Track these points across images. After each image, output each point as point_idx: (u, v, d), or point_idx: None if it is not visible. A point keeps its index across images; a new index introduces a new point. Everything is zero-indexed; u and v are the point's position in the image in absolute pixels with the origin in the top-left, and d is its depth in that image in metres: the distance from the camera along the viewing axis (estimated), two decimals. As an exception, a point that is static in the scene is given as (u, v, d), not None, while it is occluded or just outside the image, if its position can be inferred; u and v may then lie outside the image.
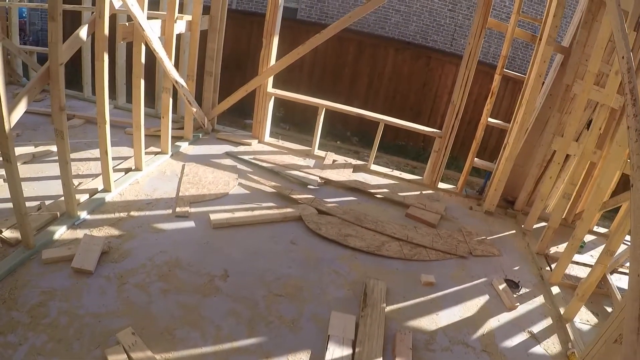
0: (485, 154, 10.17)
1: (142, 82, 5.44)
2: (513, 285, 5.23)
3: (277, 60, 7.29)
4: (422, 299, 4.69)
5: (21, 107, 3.84)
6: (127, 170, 5.78)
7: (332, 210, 5.79)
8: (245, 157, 6.91)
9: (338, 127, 11.44)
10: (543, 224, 6.46)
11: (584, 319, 5.04)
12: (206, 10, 6.79)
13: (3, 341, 3.21)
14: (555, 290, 5.34)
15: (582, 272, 5.73)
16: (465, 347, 4.18)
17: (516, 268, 5.66)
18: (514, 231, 6.63)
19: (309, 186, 6.44)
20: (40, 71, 4.08)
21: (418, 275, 5.00)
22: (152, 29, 5.39)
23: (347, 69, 12.09)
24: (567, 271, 5.65)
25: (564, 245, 5.38)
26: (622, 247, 6.08)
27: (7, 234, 4.19)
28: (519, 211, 7.19)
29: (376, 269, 4.97)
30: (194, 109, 6.89)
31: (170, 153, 6.50)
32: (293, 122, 11.55)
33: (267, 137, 7.84)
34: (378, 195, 6.64)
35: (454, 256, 5.51)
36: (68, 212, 4.64)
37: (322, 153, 7.64)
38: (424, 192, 7.24)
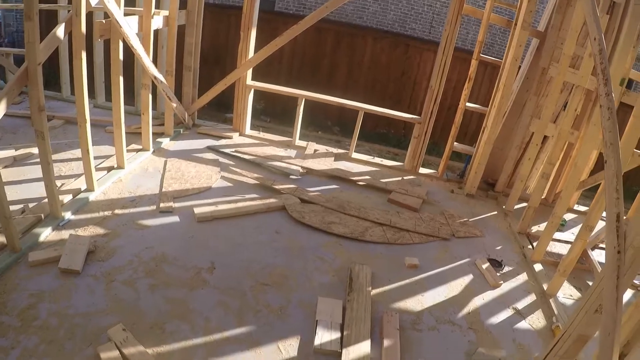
0: (466, 138, 10.27)
1: (121, 79, 5.43)
2: (496, 264, 5.33)
3: (255, 52, 7.31)
4: (407, 281, 4.77)
5: (1, 109, 3.82)
6: (110, 169, 5.77)
7: (315, 199, 5.84)
8: (227, 151, 6.93)
9: (319, 117, 11.46)
10: (524, 204, 6.57)
11: (567, 293, 5.16)
12: (183, 4, 6.79)
13: (-5, 346, 3.20)
14: (537, 267, 5.45)
15: (563, 250, 5.84)
16: (452, 326, 4.27)
17: (499, 248, 5.76)
18: (496, 212, 6.74)
19: (291, 176, 6.48)
20: (18, 72, 4.02)
21: (402, 259, 5.08)
22: (129, 26, 5.38)
23: (325, 59, 12.10)
24: (549, 249, 5.77)
25: (545, 224, 5.48)
26: (603, 224, 6.21)
27: (-8, 238, 4.16)
28: (500, 193, 7.30)
29: (360, 254, 5.04)
30: (174, 105, 6.89)
31: (151, 149, 6.50)
32: (274, 114, 11.55)
33: (248, 130, 7.86)
34: (360, 183, 6.71)
35: (437, 238, 5.60)
36: (52, 213, 4.63)
37: (303, 143, 7.68)
38: (405, 177, 7.32)
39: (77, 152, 5.79)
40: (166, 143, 6.91)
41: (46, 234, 4.44)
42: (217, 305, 3.97)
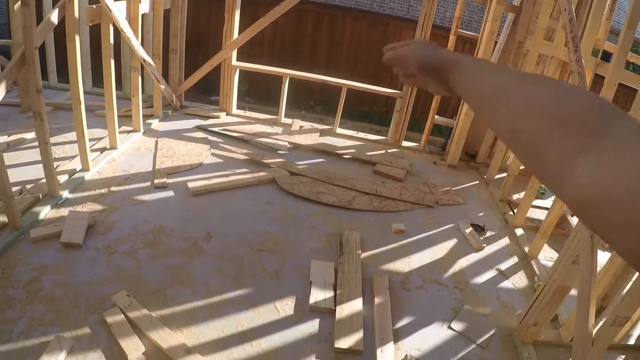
0: (447, 113, 10.46)
1: (112, 62, 5.51)
2: (479, 229, 5.54)
3: (239, 34, 7.42)
4: (394, 245, 4.96)
5: (1, 91, 3.91)
6: (102, 150, 5.84)
7: (303, 172, 6.00)
8: (216, 129, 7.05)
9: (302, 97, 11.58)
10: (504, 174, 6.77)
11: (548, 256, 5.38)
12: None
13: (2, 317, 3.29)
14: (519, 232, 5.67)
15: (543, 216, 6.02)
16: (439, 285, 4.48)
17: (481, 214, 5.98)
18: (477, 182, 6.96)
19: (279, 151, 6.62)
20: (15, 57, 4.11)
21: (389, 225, 5.27)
22: (118, 10, 5.47)
23: (306, 40, 12.20)
24: (529, 215, 5.99)
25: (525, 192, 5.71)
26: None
27: (-7, 218, 4.23)
28: (481, 163, 7.51)
29: (349, 221, 5.22)
30: (162, 87, 6.98)
31: (142, 130, 6.58)
32: (257, 95, 11.66)
33: (235, 109, 7.98)
34: (346, 156, 6.87)
35: (421, 206, 5.80)
36: (50, 192, 4.71)
37: (288, 120, 7.81)
38: (389, 150, 7.51)
39: (69, 136, 5.93)
40: (156, 124, 7.00)
41: (45, 211, 4.52)
42: (216, 271, 4.12)
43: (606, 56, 5.92)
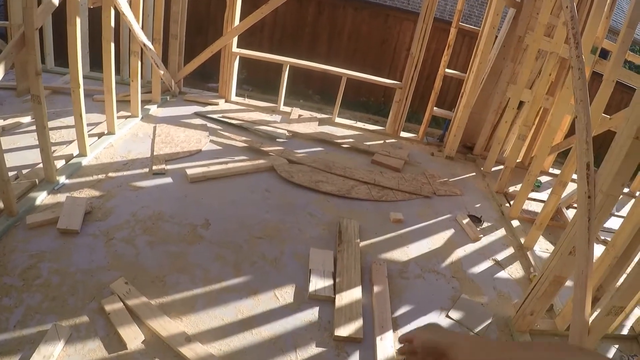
0: (445, 105, 10.48)
1: (112, 45, 5.47)
2: (476, 220, 5.58)
3: (240, 20, 7.41)
4: (392, 234, 5.00)
5: (0, 71, 3.88)
6: (100, 135, 5.81)
7: (302, 160, 6.02)
8: (214, 116, 7.03)
9: (300, 86, 11.57)
10: (501, 166, 6.82)
11: (543, 247, 5.45)
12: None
13: (-1, 306, 3.26)
14: (515, 223, 5.73)
15: (539, 208, 6.10)
16: (436, 274, 4.52)
17: (478, 205, 6.02)
18: (474, 173, 7.01)
19: (277, 139, 6.63)
20: (14, 38, 4.06)
21: (387, 214, 5.31)
22: (120, -7, 5.44)
23: (307, 29, 12.16)
24: (525, 207, 6.05)
25: (521, 184, 5.75)
26: (575, 186, 6.51)
27: (-12, 204, 4.16)
28: (478, 155, 7.56)
29: (348, 210, 5.24)
30: (162, 72, 6.96)
31: (140, 116, 6.56)
32: (256, 83, 11.62)
33: (234, 96, 7.97)
34: (344, 145, 6.89)
35: (419, 196, 5.84)
36: (47, 177, 4.66)
37: (287, 109, 7.82)
38: (387, 141, 7.53)
39: (66, 121, 5.90)
40: (154, 110, 6.98)
41: (42, 197, 4.46)
42: (215, 258, 4.11)
43: (603, 54, 5.97)
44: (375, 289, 4.05)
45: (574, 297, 3.28)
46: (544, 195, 6.70)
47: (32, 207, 4.32)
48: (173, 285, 3.73)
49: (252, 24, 7.38)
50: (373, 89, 10.95)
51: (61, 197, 4.51)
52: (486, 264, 4.87)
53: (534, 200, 6.52)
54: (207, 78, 10.16)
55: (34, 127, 4.48)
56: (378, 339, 3.57)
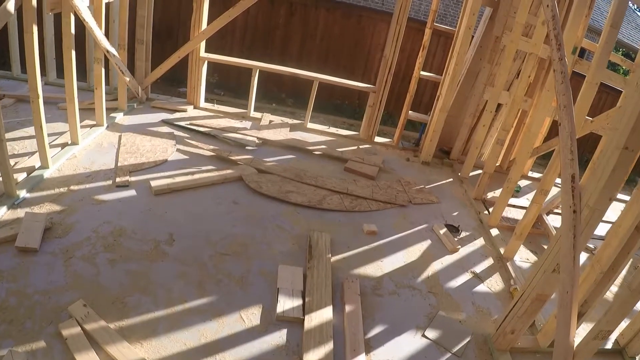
0: (420, 108, 10.31)
1: (74, 53, 5.21)
2: (453, 229, 5.40)
3: (208, 24, 7.14)
4: (366, 247, 4.80)
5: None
6: (64, 145, 5.57)
7: (271, 169, 5.78)
8: (182, 123, 6.78)
9: (273, 90, 11.34)
10: (479, 171, 6.66)
11: (524, 257, 5.30)
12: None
13: (-50, 331, 3.07)
14: (494, 232, 5.56)
15: (519, 215, 5.96)
16: (412, 290, 4.32)
17: (455, 213, 5.84)
18: (451, 179, 6.83)
19: (247, 147, 6.39)
20: None
21: (360, 226, 5.10)
22: (81, -2, 5.17)
23: (278, 31, 11.93)
24: (504, 214, 5.89)
25: (500, 190, 5.59)
26: (557, 190, 6.37)
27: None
28: (455, 160, 7.39)
29: (319, 222, 5.04)
30: (127, 79, 6.68)
31: (105, 125, 6.29)
32: (227, 87, 11.37)
33: (203, 103, 7.70)
34: (316, 152, 6.68)
35: (394, 205, 5.63)
36: (7, 192, 4.45)
37: (258, 114, 7.59)
38: (361, 146, 7.34)
39: (30, 130, 5.61)
40: (120, 118, 6.70)
41: (1, 213, 4.26)
42: (178, 276, 3.91)
43: (581, 53, 5.83)
44: (347, 308, 3.84)
45: (558, 318, 3.08)
46: (523, 201, 6.55)
47: (-9, 223, 4.10)
48: (134, 307, 3.53)
49: (221, 27, 7.12)
50: (347, 92, 10.75)
51: (21, 213, 4.28)
52: (464, 277, 4.69)
53: (514, 206, 6.35)
54: (178, 83, 9.89)
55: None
56: (350, 364, 3.35)
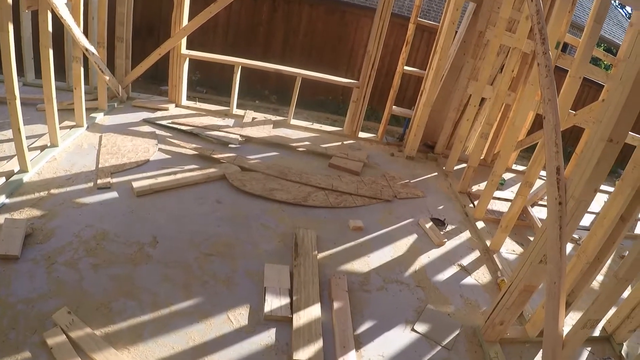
0: (404, 103, 10.32)
1: (51, 52, 5.11)
2: (439, 223, 5.40)
3: (189, 20, 7.07)
4: (352, 243, 4.78)
5: None
6: (43, 148, 5.44)
7: (255, 167, 5.74)
8: (164, 122, 6.70)
9: (256, 86, 11.28)
10: (463, 165, 6.68)
11: (510, 249, 5.31)
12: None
13: None
14: (480, 225, 5.57)
15: (504, 207, 5.98)
16: (399, 285, 4.31)
17: (441, 207, 5.84)
18: (436, 173, 6.84)
19: (230, 145, 6.33)
20: None
21: (346, 222, 5.08)
22: (59, -5, 5.07)
23: (261, 27, 11.87)
24: (489, 207, 5.89)
25: (485, 183, 5.60)
26: (541, 182, 6.40)
27: None
28: (439, 154, 7.40)
29: (304, 219, 5.00)
30: (107, 77, 6.57)
31: (85, 125, 6.18)
32: (210, 84, 11.29)
33: (185, 101, 7.63)
34: (300, 149, 6.65)
35: (379, 200, 5.62)
36: (-15, 198, 4.35)
37: (241, 112, 7.54)
38: (345, 142, 7.32)
39: (7, 133, 5.45)
40: (100, 118, 6.59)
41: (-19, 221, 4.14)
42: (163, 279, 3.84)
43: (562, 49, 5.85)
44: (335, 305, 3.81)
45: (546, 308, 3.08)
46: (508, 193, 6.57)
47: (-31, 232, 3.99)
48: (119, 312, 3.46)
49: (203, 24, 7.05)
50: (331, 88, 10.71)
51: (0, 219, 4.15)
52: (452, 270, 4.69)
53: (499, 199, 6.37)
54: (160, 81, 9.79)
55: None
56: (340, 360, 3.33)
